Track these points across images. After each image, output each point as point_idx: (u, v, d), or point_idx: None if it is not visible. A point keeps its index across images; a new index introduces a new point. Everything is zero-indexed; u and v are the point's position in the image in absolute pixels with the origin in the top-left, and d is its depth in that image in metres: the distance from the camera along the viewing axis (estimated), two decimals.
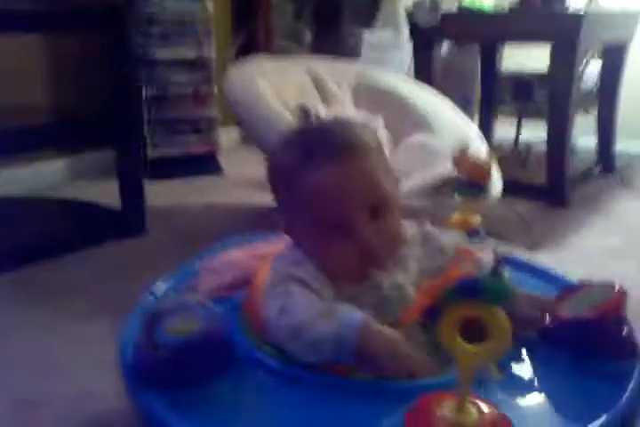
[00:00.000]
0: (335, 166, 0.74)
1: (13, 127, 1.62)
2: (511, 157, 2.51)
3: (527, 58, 2.45)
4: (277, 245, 0.99)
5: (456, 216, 1.07)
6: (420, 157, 1.61)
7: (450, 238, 0.84)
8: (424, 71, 2.28)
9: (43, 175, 2.21)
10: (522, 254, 1.19)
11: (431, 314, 0.58)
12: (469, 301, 0.56)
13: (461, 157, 1.02)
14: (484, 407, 0.61)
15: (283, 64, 1.92)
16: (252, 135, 1.67)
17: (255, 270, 0.89)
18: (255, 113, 1.57)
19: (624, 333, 0.74)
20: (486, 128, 2.49)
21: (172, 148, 2.40)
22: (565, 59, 2.01)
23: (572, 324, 0.74)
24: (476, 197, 1.05)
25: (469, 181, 1.02)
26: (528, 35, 2.13)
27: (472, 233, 1.02)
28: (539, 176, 2.19)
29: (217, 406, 0.68)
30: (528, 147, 2.52)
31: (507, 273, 0.56)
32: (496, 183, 1.58)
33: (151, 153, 2.38)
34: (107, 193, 1.86)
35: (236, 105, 1.63)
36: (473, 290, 0.55)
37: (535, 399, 0.70)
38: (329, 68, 1.95)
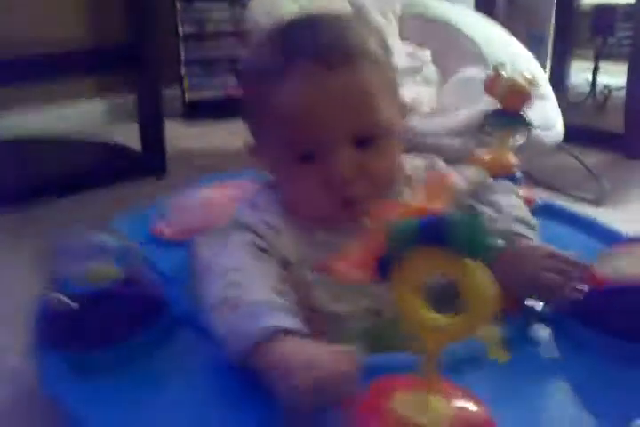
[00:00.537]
0: (317, 74, 0.55)
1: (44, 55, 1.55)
2: (587, 103, 2.22)
3: None
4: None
5: (488, 155, 0.86)
6: (469, 92, 1.38)
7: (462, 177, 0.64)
8: (487, 2, 2.01)
9: (75, 117, 2.12)
10: (584, 210, 0.98)
11: (382, 267, 0.40)
12: (433, 249, 0.37)
13: (493, 79, 0.80)
14: (461, 402, 0.44)
15: None
16: None
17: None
18: None
19: None
20: (560, 70, 2.19)
21: (211, 89, 2.25)
22: None
23: (610, 292, 0.54)
24: (513, 129, 0.83)
25: (504, 109, 0.81)
26: None
27: (506, 177, 0.81)
28: (616, 124, 1.91)
29: (126, 377, 0.53)
30: (607, 91, 2.21)
31: (484, 215, 0.36)
32: (557, 124, 1.34)
33: (189, 94, 2.24)
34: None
35: (256, 31, 1.45)
36: (436, 233, 0.36)
37: (550, 393, 0.51)
38: None
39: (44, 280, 0.57)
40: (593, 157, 1.72)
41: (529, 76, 0.80)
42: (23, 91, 1.79)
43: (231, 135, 2.13)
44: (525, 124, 0.83)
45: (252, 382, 0.50)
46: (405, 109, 0.63)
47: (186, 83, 2.23)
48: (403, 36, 1.68)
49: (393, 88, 0.61)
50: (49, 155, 1.78)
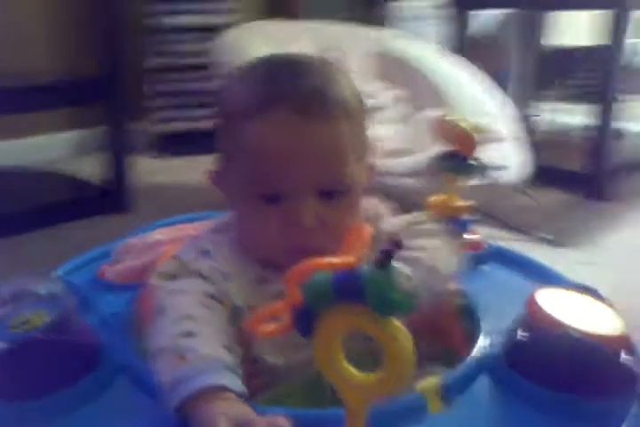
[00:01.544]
0: (295, 122, 0.54)
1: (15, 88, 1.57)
2: (549, 143, 2.26)
3: (569, 32, 2.19)
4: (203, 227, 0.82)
5: (438, 200, 0.86)
6: (426, 134, 1.41)
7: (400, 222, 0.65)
8: (456, 42, 2.06)
9: (46, 149, 2.11)
10: (544, 251, 0.99)
11: (301, 323, 0.39)
12: (352, 306, 0.37)
13: (440, 124, 0.82)
14: None
15: (291, 27, 1.74)
16: None
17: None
18: None
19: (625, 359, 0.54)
20: (523, 108, 2.24)
21: (180, 123, 2.25)
22: (616, 28, 1.75)
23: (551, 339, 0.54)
24: (463, 172, 0.84)
25: (452, 151, 0.82)
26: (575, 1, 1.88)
27: (451, 221, 0.81)
28: (578, 164, 1.95)
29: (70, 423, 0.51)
30: (567, 131, 2.26)
31: (402, 269, 0.36)
32: (515, 164, 1.36)
33: (157, 128, 2.24)
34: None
35: (220, 66, 1.46)
36: (352, 289, 0.36)
37: None
38: (344, 34, 1.75)
39: None
40: (553, 197, 1.75)
41: (475, 123, 0.81)
42: None
43: (200, 170, 2.13)
44: (472, 169, 0.83)
45: None
46: (373, 169, 0.63)
47: (155, 116, 2.24)
48: (370, 75, 1.71)
49: (364, 145, 0.61)
50: (14, 187, 1.76)
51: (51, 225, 1.55)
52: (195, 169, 2.13)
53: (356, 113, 0.58)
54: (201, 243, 0.61)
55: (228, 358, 0.49)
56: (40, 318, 0.54)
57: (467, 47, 2.07)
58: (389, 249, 0.35)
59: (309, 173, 0.55)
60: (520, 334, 0.58)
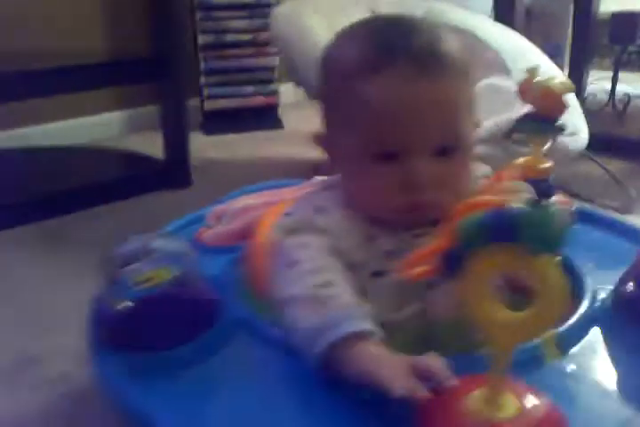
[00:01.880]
0: (415, 78, 0.54)
1: (62, 67, 1.58)
2: (606, 111, 2.22)
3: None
4: (300, 191, 0.84)
5: (521, 161, 0.86)
6: (492, 101, 1.39)
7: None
8: (505, 12, 2.02)
9: (99, 127, 2.15)
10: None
11: (449, 265, 0.40)
12: (503, 245, 0.38)
13: (527, 82, 0.80)
14: (529, 398, 0.44)
15: (341, 1, 1.73)
16: (294, 75, 1.50)
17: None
18: (298, 48, 1.39)
19: None
20: (578, 78, 2.19)
21: (229, 99, 2.26)
22: None
23: None
24: (547, 134, 0.84)
25: (538, 113, 0.81)
26: None
27: (538, 182, 0.81)
28: (636, 132, 1.91)
29: (187, 378, 0.54)
30: (626, 99, 2.21)
31: (558, 207, 0.37)
32: (582, 131, 1.34)
33: (207, 105, 2.26)
34: (160, 146, 1.78)
35: (279, 39, 1.47)
36: (505, 229, 0.37)
37: (602, 389, 0.52)
38: (394, 4, 1.73)
39: (102, 284, 0.58)
40: (614, 166, 1.72)
41: (564, 81, 0.80)
42: (48, 102, 1.81)
43: (253, 145, 2.16)
44: (559, 130, 0.83)
45: (312, 382, 0.51)
46: (478, 126, 0.63)
47: (205, 93, 2.25)
48: None
49: (472, 101, 0.61)
50: (73, 166, 1.80)
51: (115, 200, 1.59)
52: (246, 144, 2.17)
53: (465, 68, 0.58)
54: (315, 200, 0.62)
55: (365, 306, 0.50)
56: (167, 273, 0.56)
57: (519, 17, 2.02)
58: (547, 188, 0.36)
59: (429, 128, 0.55)
60: (629, 286, 0.59)
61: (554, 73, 1.44)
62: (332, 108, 0.61)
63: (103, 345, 0.57)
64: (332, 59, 0.61)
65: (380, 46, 0.56)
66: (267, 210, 0.76)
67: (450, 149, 0.57)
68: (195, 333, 0.57)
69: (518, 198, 0.38)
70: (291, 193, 0.85)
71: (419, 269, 0.41)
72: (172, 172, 1.69)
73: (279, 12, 1.58)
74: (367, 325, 0.49)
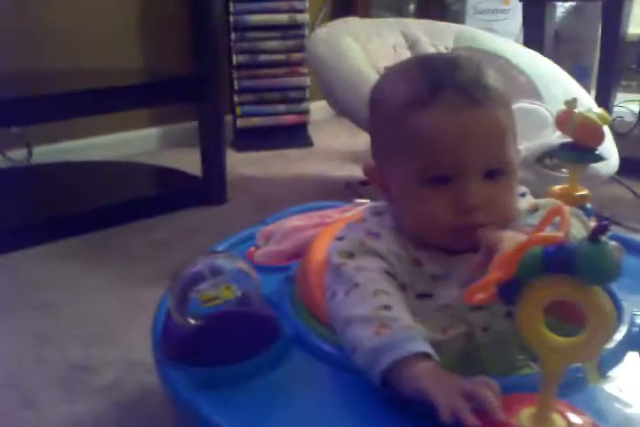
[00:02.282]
0: (463, 106, 0.59)
1: (104, 88, 1.62)
2: (633, 134, 2.24)
3: None
4: (347, 213, 0.88)
5: (560, 189, 0.89)
6: (525, 124, 1.43)
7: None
8: (534, 36, 2.05)
9: (136, 143, 2.22)
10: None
11: (506, 293, 0.44)
12: (558, 277, 0.42)
13: (566, 113, 0.85)
14: (574, 418, 0.48)
15: (375, 24, 1.78)
16: (330, 96, 1.55)
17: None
18: (335, 70, 1.44)
19: None
20: (605, 101, 2.22)
21: (261, 117, 2.33)
22: None
23: None
24: (585, 163, 0.87)
25: (576, 143, 0.85)
26: None
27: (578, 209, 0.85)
28: None
29: (251, 390, 0.58)
30: None
31: (612, 243, 0.41)
32: (612, 155, 1.37)
33: (240, 123, 2.32)
34: (195, 162, 1.83)
35: (316, 61, 1.52)
36: (562, 262, 0.41)
37: None
38: (426, 29, 1.78)
39: (171, 302, 0.62)
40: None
41: (602, 113, 0.84)
42: (86, 118, 1.88)
43: (285, 163, 2.21)
44: (598, 159, 0.86)
45: (367, 398, 0.55)
46: (519, 153, 0.67)
47: (238, 111, 2.31)
48: None
49: (515, 131, 0.65)
50: (113, 181, 1.86)
51: (154, 215, 1.64)
52: (277, 161, 2.22)
53: (506, 98, 0.64)
54: (367, 225, 0.66)
55: (422, 329, 0.54)
56: (232, 292, 0.61)
57: (547, 41, 2.06)
58: (603, 224, 0.40)
59: (479, 153, 0.60)
60: None
61: (589, 103, 1.47)
62: (385, 138, 0.66)
63: (172, 359, 0.61)
64: (384, 93, 0.66)
65: (429, 80, 0.61)
66: (316, 231, 0.80)
67: (497, 172, 0.61)
68: (257, 349, 0.61)
69: (576, 233, 0.42)
70: (335, 214, 0.89)
71: (480, 296, 0.45)
72: (209, 188, 1.74)
73: (316, 35, 1.63)
74: (427, 347, 0.53)
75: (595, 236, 0.40)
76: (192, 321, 0.60)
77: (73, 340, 1.07)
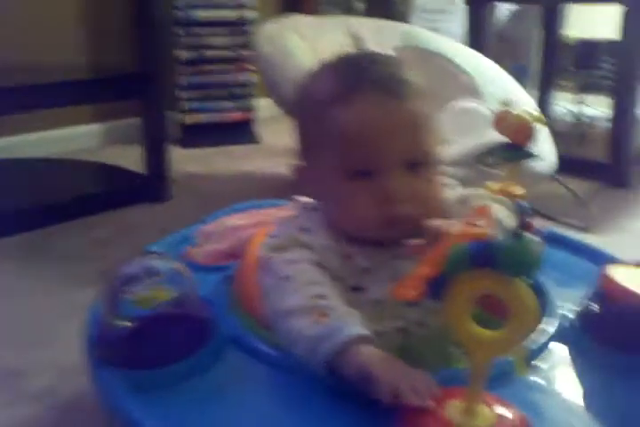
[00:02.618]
0: (383, 101, 0.61)
1: (45, 83, 1.58)
2: (570, 133, 2.32)
3: (592, 24, 2.23)
4: (286, 211, 0.88)
5: (497, 186, 0.91)
6: (463, 123, 1.46)
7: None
8: (476, 36, 2.10)
9: (77, 139, 2.17)
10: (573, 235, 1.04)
11: (434, 289, 0.45)
12: (483, 271, 0.43)
13: (502, 114, 0.86)
14: (502, 410, 0.49)
15: (322, 22, 1.79)
16: (276, 95, 1.55)
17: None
18: (280, 69, 1.44)
19: None
20: (544, 100, 2.29)
21: (207, 114, 2.30)
22: (637, 22, 1.80)
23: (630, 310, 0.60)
24: (515, 160, 0.89)
25: (512, 143, 0.87)
26: None
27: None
28: (600, 154, 2.00)
29: (185, 392, 0.57)
30: (590, 121, 2.31)
31: (532, 237, 0.42)
32: (550, 154, 1.41)
33: (185, 119, 2.29)
34: (138, 159, 1.80)
35: (261, 59, 1.51)
36: (486, 257, 0.42)
37: (568, 403, 0.57)
38: (372, 28, 1.80)
39: (104, 303, 0.61)
40: (577, 186, 1.80)
41: (535, 113, 0.86)
42: (28, 116, 1.82)
43: (230, 160, 2.19)
44: (530, 157, 0.88)
45: (304, 396, 0.55)
46: (441, 142, 0.68)
47: (184, 107, 2.28)
48: None
49: (434, 122, 0.67)
50: (53, 178, 1.81)
51: (96, 213, 1.60)
52: (223, 158, 2.20)
53: (423, 92, 0.65)
54: (298, 221, 0.67)
55: (359, 315, 0.55)
56: (167, 293, 0.60)
57: (489, 41, 2.11)
58: (525, 220, 0.41)
59: (398, 146, 0.61)
60: (594, 305, 0.64)
61: (525, 101, 1.51)
62: (308, 136, 0.67)
63: (104, 362, 0.60)
64: (305, 91, 0.67)
65: (347, 76, 0.63)
66: (257, 230, 0.80)
67: (418, 164, 0.62)
68: (191, 350, 0.60)
69: (499, 229, 0.43)
70: (278, 213, 0.89)
71: (409, 292, 0.45)
72: (153, 185, 1.72)
73: (262, 33, 1.62)
74: (366, 331, 0.54)
75: (517, 231, 0.41)
76: (125, 323, 0.59)
77: (6, 344, 1.04)
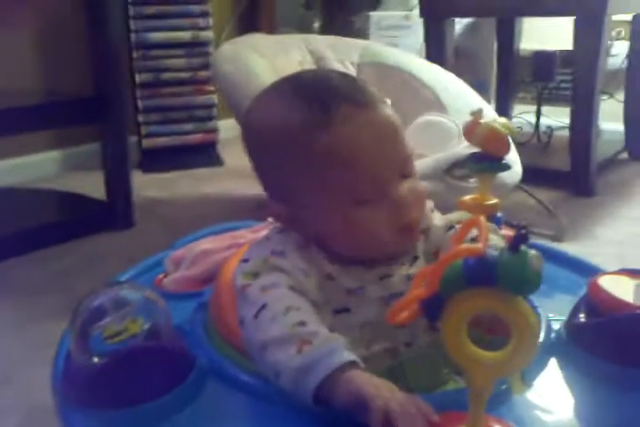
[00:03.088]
0: (359, 114, 0.57)
1: (5, 108, 1.53)
2: (531, 143, 2.34)
3: (547, 37, 2.27)
4: (260, 233, 0.85)
5: (471, 199, 0.90)
6: (431, 137, 1.46)
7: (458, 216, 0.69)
8: (435, 51, 2.12)
9: (35, 167, 2.11)
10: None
11: (430, 310, 0.42)
12: (480, 290, 0.40)
13: (473, 124, 0.85)
14: None
15: (281, 40, 1.77)
16: (238, 115, 1.52)
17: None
18: (242, 89, 1.41)
19: None
20: (503, 112, 2.32)
21: (168, 137, 2.26)
22: (591, 33, 1.84)
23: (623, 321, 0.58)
24: (493, 172, 0.88)
25: (483, 153, 0.86)
26: (549, 7, 1.95)
27: (490, 219, 0.85)
28: (561, 163, 2.03)
29: None
30: (549, 132, 2.34)
31: (532, 252, 0.40)
32: (516, 164, 1.42)
33: (145, 143, 2.24)
34: (99, 186, 1.75)
35: (222, 79, 1.49)
36: (483, 274, 0.40)
37: (568, 422, 0.55)
38: (332, 45, 1.79)
39: (72, 339, 0.57)
40: (542, 195, 1.81)
41: (506, 123, 0.85)
42: None
43: (194, 183, 2.15)
44: (505, 168, 0.87)
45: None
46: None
47: (143, 131, 2.24)
48: None
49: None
50: (11, 208, 1.75)
51: (56, 244, 1.55)
52: (186, 182, 2.16)
53: (382, 98, 0.62)
54: (271, 244, 0.62)
55: (342, 338, 0.52)
56: (138, 325, 0.56)
57: (447, 56, 2.13)
58: (522, 233, 0.39)
59: (392, 154, 0.58)
60: (583, 316, 0.63)
61: (492, 115, 1.52)
62: (285, 170, 0.60)
63: (73, 401, 0.56)
64: (269, 123, 0.60)
65: (314, 98, 0.58)
66: (229, 253, 0.76)
67: (409, 171, 0.60)
68: (168, 385, 0.56)
69: (495, 244, 0.41)
70: (248, 235, 0.86)
71: (404, 315, 0.43)
72: (115, 212, 1.67)
73: (221, 52, 1.60)
74: (353, 356, 0.51)
75: (515, 245, 0.39)
76: (95, 360, 0.55)
77: None
